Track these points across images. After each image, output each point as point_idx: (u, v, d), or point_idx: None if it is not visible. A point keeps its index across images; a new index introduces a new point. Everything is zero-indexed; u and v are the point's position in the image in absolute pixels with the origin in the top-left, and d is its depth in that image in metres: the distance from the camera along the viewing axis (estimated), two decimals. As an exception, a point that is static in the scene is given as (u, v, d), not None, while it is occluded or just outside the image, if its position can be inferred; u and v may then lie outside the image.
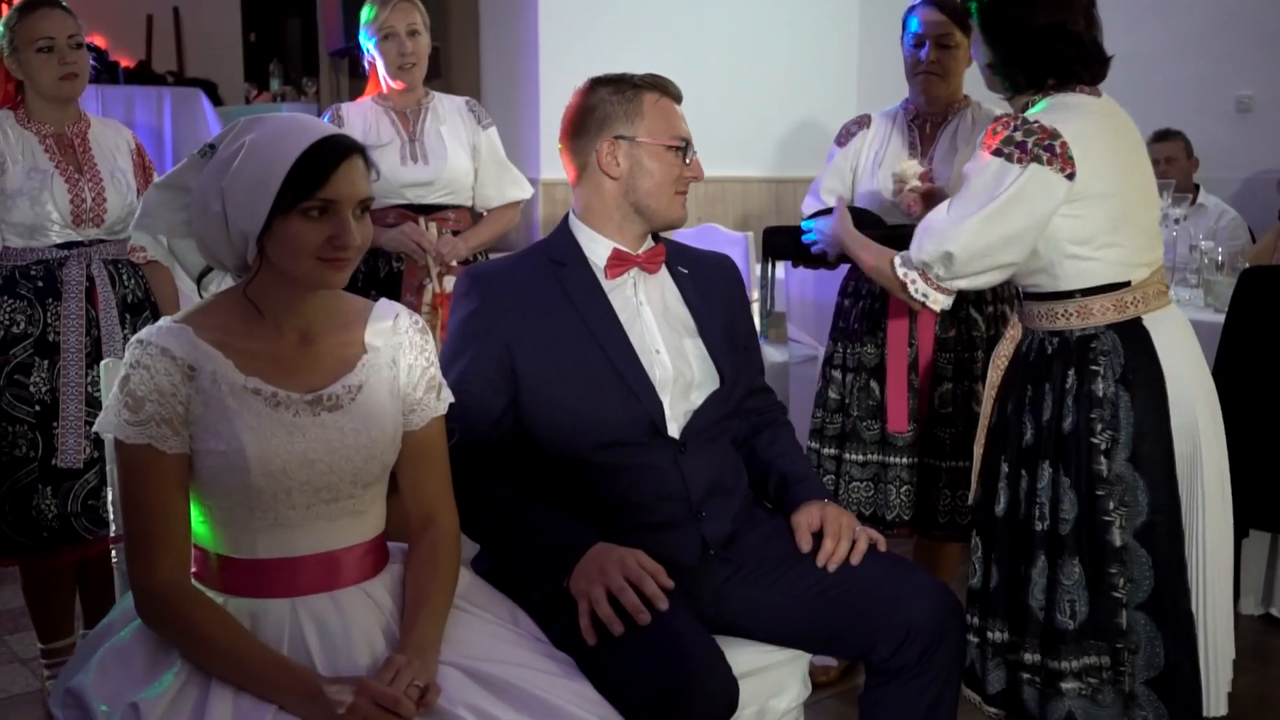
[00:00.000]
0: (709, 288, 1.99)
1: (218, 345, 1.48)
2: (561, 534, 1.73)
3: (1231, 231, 4.27)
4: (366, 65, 3.03)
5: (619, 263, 1.89)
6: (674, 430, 1.85)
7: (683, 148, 1.88)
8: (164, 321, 1.49)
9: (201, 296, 1.60)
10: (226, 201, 1.45)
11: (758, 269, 2.79)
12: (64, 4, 2.59)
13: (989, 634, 2.06)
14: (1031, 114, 1.93)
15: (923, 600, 1.79)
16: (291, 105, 6.53)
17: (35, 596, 2.70)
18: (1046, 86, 1.97)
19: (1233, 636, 2.02)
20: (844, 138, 2.76)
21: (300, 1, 7.57)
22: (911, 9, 2.63)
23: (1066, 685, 1.92)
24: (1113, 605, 1.93)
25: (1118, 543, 1.92)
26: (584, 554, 1.69)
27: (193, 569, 1.51)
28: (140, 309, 2.67)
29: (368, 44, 2.96)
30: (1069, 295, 1.97)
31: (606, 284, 1.89)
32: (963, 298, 2.59)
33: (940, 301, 2.01)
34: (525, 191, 3.08)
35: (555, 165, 5.23)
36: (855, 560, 1.83)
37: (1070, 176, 1.88)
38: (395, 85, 2.95)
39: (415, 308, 2.79)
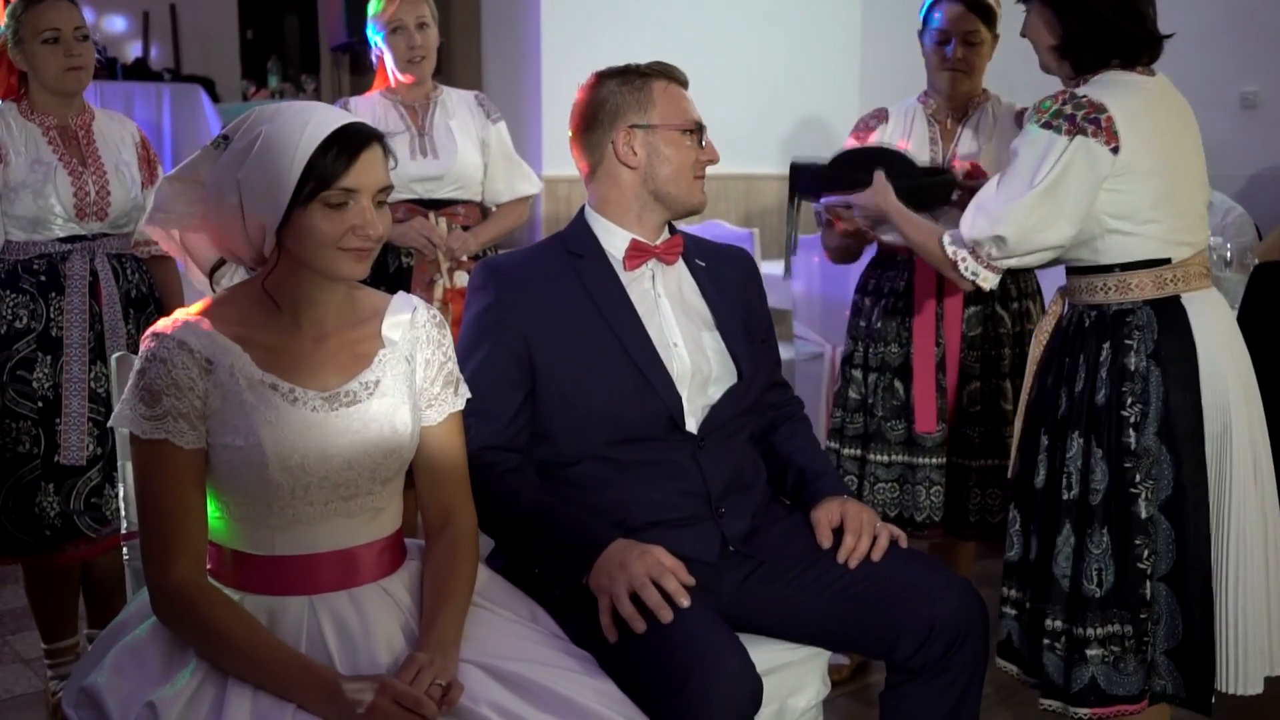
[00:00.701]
0: (726, 281, 1.96)
1: (235, 339, 1.45)
2: (581, 531, 1.70)
3: (1238, 228, 4.25)
4: (374, 59, 3.00)
5: (637, 254, 1.87)
6: (692, 425, 1.83)
7: (696, 131, 1.87)
8: (180, 314, 1.46)
9: (214, 290, 1.57)
10: (244, 193, 1.42)
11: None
12: None
13: (1028, 604, 2.09)
14: (1080, 90, 1.95)
15: (946, 597, 1.76)
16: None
17: (38, 596, 2.66)
18: (1110, 66, 1.98)
19: (1268, 617, 2.00)
20: (863, 132, 2.72)
21: (298, -2, 7.54)
22: (934, 3, 2.58)
23: (1090, 652, 1.95)
24: (1137, 575, 1.96)
25: (1143, 515, 1.95)
26: (604, 551, 1.67)
27: (208, 566, 1.49)
28: (144, 304, 2.64)
29: (375, 37, 2.93)
30: (1108, 269, 1.99)
31: (624, 276, 1.87)
32: (988, 294, 2.55)
33: (990, 280, 2.04)
34: (535, 186, 3.05)
35: (557, 162, 5.25)
36: (876, 557, 1.81)
37: (1115, 150, 1.90)
38: (404, 79, 2.92)
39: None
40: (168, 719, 1.32)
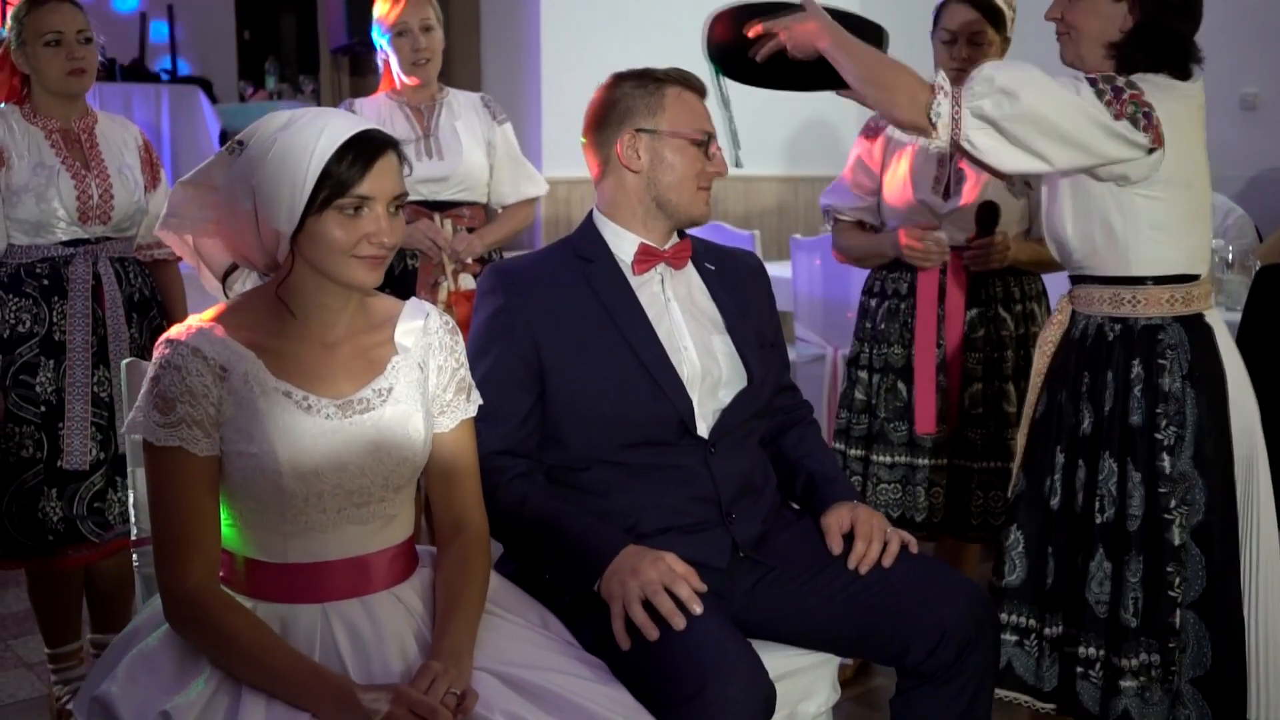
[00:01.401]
0: (736, 285, 1.96)
1: (249, 345, 1.44)
2: (592, 537, 1.70)
3: (1238, 230, 4.26)
4: (380, 61, 2.99)
5: (646, 258, 1.87)
6: (703, 430, 1.83)
7: (705, 142, 1.86)
8: (194, 321, 1.46)
9: (227, 296, 1.56)
10: (258, 199, 1.42)
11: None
12: None
13: (1046, 630, 2.02)
14: (1124, 80, 1.84)
15: (957, 602, 1.76)
16: (289, 103, 6.49)
17: (41, 600, 2.65)
18: (1159, 72, 1.88)
19: None
20: (871, 133, 2.71)
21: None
22: (943, 4, 2.57)
23: (1125, 683, 1.90)
24: (1167, 603, 1.90)
25: (1176, 541, 1.90)
26: (615, 557, 1.66)
27: (220, 574, 1.48)
28: (147, 308, 2.63)
29: (381, 40, 2.92)
30: (1139, 281, 1.91)
31: (633, 280, 1.86)
32: (991, 296, 2.59)
33: (942, 135, 1.83)
34: (541, 188, 3.05)
35: (557, 163, 5.24)
36: (887, 562, 1.80)
37: (1153, 150, 1.82)
38: (409, 81, 2.91)
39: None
40: (182, 728, 1.32)
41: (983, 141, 1.82)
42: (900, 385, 2.62)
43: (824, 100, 5.66)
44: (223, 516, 1.47)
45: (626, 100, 1.85)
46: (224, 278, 1.57)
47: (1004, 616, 2.04)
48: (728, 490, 1.83)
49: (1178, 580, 1.91)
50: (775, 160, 5.59)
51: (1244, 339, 3.02)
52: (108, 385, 2.53)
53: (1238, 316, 3.12)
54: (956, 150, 1.86)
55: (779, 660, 1.77)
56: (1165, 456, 1.91)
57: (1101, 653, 1.93)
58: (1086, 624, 1.94)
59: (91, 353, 2.51)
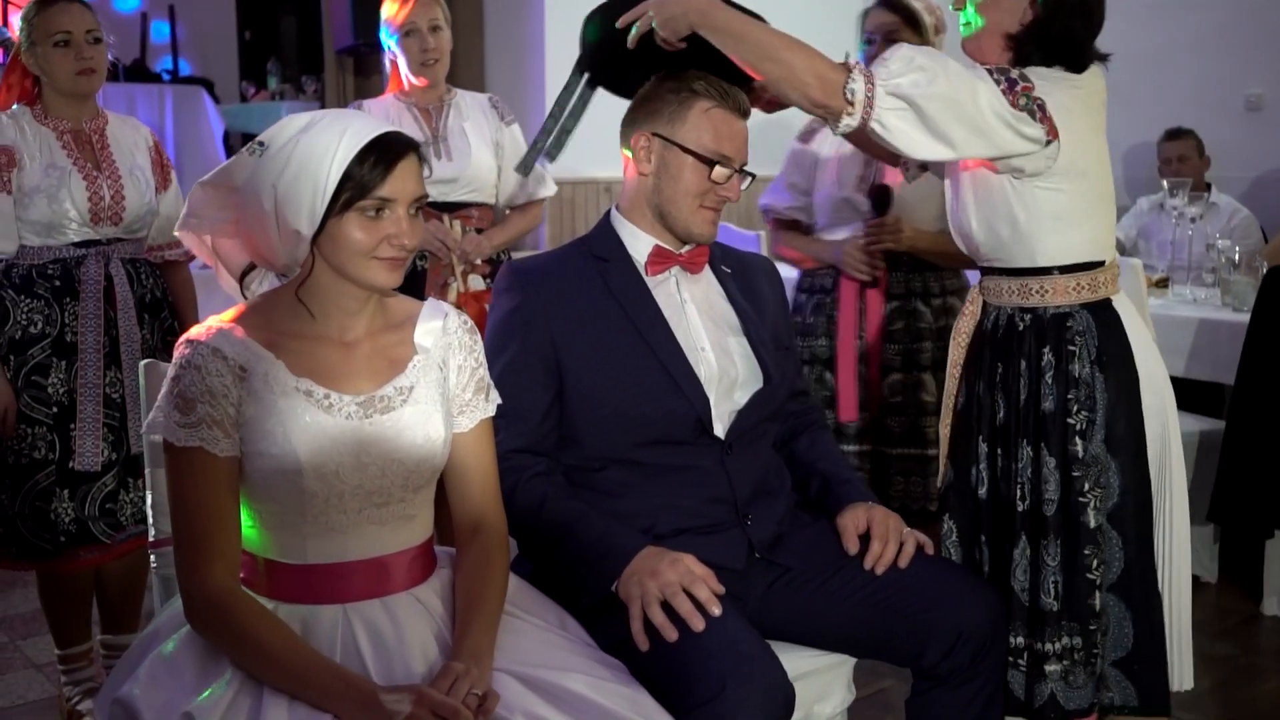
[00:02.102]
0: (753, 288, 1.96)
1: (269, 346, 1.44)
2: (610, 538, 1.70)
3: (1244, 230, 4.27)
4: (387, 63, 2.99)
5: (660, 260, 1.86)
6: (719, 430, 1.83)
7: (715, 163, 1.80)
8: (213, 321, 1.45)
9: (245, 296, 1.56)
10: (279, 201, 1.42)
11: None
12: None
13: None
14: (1015, 72, 1.83)
15: (973, 604, 1.77)
16: (291, 104, 6.48)
17: (52, 601, 2.65)
18: (1051, 67, 1.88)
19: (1190, 610, 2.01)
20: (807, 135, 2.87)
21: (298, 0, 7.51)
22: (865, 11, 2.77)
23: (1049, 667, 1.91)
24: (1087, 586, 1.91)
25: (1092, 524, 1.91)
26: (633, 558, 1.66)
27: (241, 575, 1.48)
28: (158, 309, 2.63)
29: (389, 41, 2.92)
30: (1045, 271, 1.93)
31: (649, 281, 1.86)
32: (910, 291, 2.73)
33: (853, 116, 1.75)
34: (549, 189, 3.04)
35: (562, 164, 5.23)
36: (903, 563, 1.81)
37: (1050, 142, 1.81)
38: (418, 82, 2.91)
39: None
40: (204, 729, 1.32)
41: (894, 123, 1.76)
42: (827, 375, 2.76)
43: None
44: (243, 518, 1.47)
45: (657, 100, 1.84)
46: (242, 278, 1.57)
47: None
48: (744, 491, 1.83)
49: (1095, 563, 1.92)
50: (778, 162, 5.58)
51: (1253, 340, 3.03)
52: (119, 386, 2.53)
53: (1244, 318, 3.14)
54: (862, 132, 1.80)
55: (794, 661, 1.76)
56: (1078, 441, 1.92)
57: (1025, 640, 1.93)
58: (1013, 612, 1.93)
59: (103, 354, 2.51)
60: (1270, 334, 3.00)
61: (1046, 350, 1.94)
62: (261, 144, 1.45)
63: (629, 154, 1.87)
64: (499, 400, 1.64)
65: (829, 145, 2.78)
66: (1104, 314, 1.94)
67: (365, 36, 5.06)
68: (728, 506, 1.81)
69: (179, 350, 1.43)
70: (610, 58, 1.84)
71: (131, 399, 2.53)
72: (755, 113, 1.91)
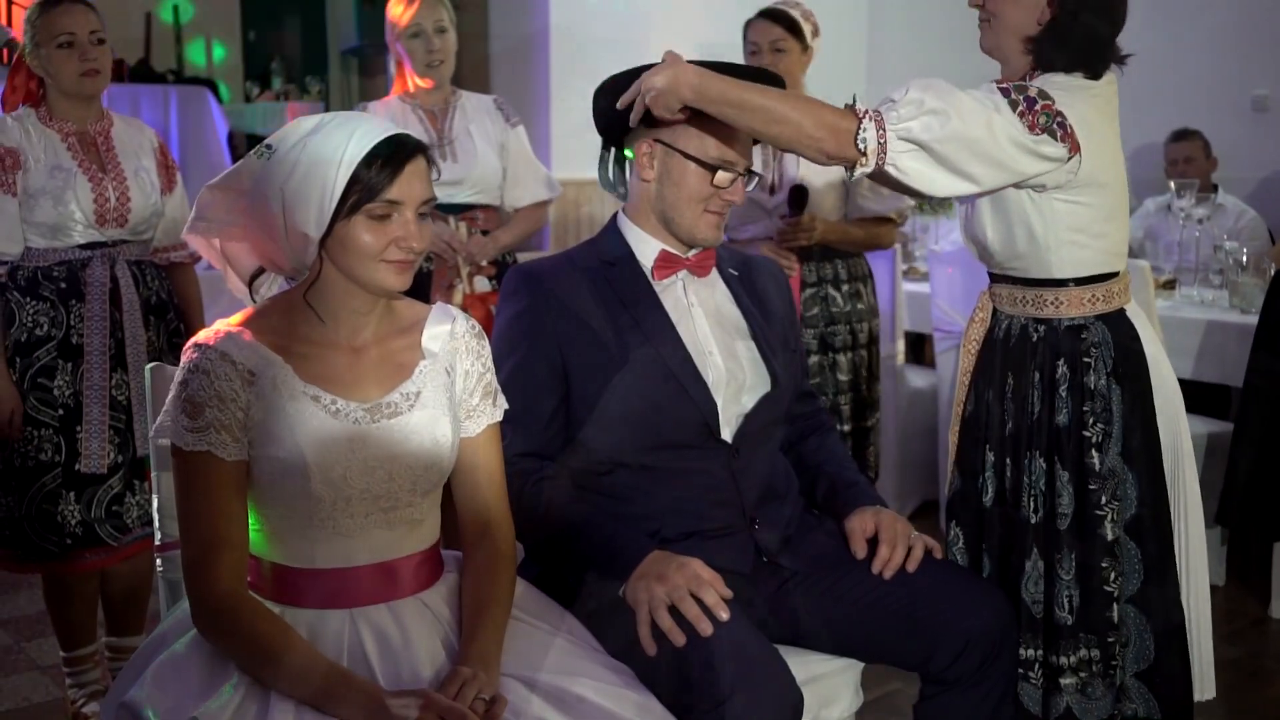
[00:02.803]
0: (759, 289, 1.95)
1: (277, 350, 1.44)
2: (617, 542, 1.69)
3: (1251, 231, 4.26)
4: (393, 64, 2.98)
5: (667, 264, 1.85)
6: (727, 434, 1.82)
7: (717, 169, 1.78)
8: (221, 325, 1.45)
9: (254, 300, 1.56)
10: (287, 203, 1.41)
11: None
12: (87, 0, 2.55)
13: None
14: (1035, 83, 1.81)
15: (982, 608, 1.76)
16: (295, 105, 6.48)
17: (57, 604, 2.65)
18: (1073, 74, 1.85)
19: (1210, 619, 2.00)
20: None
21: (301, 0, 7.51)
22: (749, 21, 2.95)
23: (1065, 680, 1.89)
24: (1104, 599, 1.89)
25: (1110, 536, 1.89)
26: (641, 562, 1.66)
27: (248, 579, 1.47)
28: (164, 311, 2.63)
29: (394, 42, 2.91)
30: (1061, 284, 1.90)
31: (656, 285, 1.85)
32: (823, 278, 2.96)
33: (869, 161, 1.72)
34: (554, 190, 3.04)
35: (565, 165, 5.24)
36: (911, 567, 1.80)
37: (1073, 156, 1.78)
38: (423, 83, 2.91)
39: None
40: (211, 735, 1.31)
41: (910, 165, 1.74)
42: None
43: (829, 100, 5.68)
44: (250, 522, 1.46)
45: None
46: (250, 281, 1.56)
47: None
48: (751, 495, 1.82)
49: (1113, 575, 1.89)
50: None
51: (1261, 342, 3.02)
52: (125, 389, 2.53)
53: (1252, 319, 3.13)
54: (879, 176, 1.78)
55: (802, 666, 1.75)
56: (1094, 454, 1.89)
57: (1039, 653, 1.91)
58: (1024, 624, 1.91)
59: (109, 356, 2.50)
60: (1278, 335, 2.99)
61: (1061, 363, 1.91)
62: (269, 146, 1.45)
63: (634, 157, 1.86)
64: (506, 405, 1.64)
65: None
66: (1119, 324, 1.91)
67: (370, 37, 5.06)
68: (735, 510, 1.81)
69: (187, 354, 1.43)
70: (624, 127, 1.81)
71: (138, 401, 2.52)
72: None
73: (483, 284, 2.83)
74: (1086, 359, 1.90)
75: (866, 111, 1.73)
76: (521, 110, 5.17)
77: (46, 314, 2.48)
